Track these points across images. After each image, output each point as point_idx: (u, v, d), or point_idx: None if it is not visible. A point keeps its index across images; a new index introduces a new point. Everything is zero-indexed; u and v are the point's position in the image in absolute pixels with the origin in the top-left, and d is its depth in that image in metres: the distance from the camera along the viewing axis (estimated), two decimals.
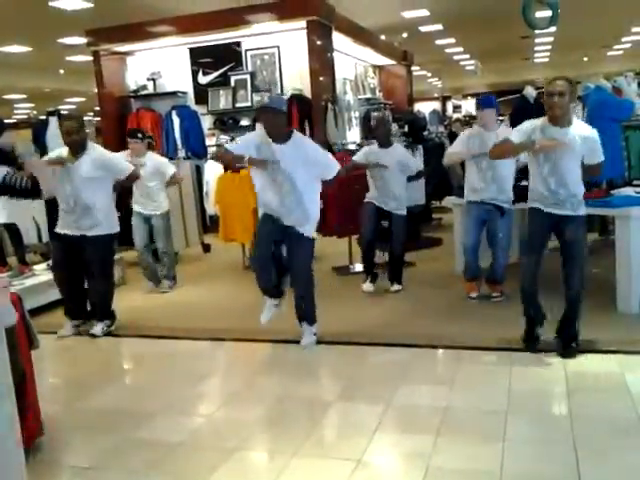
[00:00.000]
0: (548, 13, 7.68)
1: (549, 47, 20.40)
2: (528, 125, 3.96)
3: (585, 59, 23.05)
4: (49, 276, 6.06)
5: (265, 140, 4.36)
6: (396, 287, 5.83)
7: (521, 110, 7.13)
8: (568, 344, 4.08)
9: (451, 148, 5.63)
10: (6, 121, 7.93)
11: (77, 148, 4.86)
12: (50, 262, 6.45)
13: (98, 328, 5.06)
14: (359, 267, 6.24)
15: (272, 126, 4.30)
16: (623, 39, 19.76)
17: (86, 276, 5.17)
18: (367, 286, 5.86)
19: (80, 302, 5.18)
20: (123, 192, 6.27)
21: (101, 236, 4.96)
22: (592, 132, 3.92)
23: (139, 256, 6.36)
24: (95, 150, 4.99)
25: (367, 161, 5.76)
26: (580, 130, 3.89)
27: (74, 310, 5.18)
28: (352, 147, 9.15)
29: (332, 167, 4.52)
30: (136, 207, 6.24)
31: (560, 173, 3.88)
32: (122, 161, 5.32)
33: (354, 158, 6.03)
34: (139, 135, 6.23)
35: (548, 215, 3.99)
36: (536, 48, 20.62)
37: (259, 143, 4.38)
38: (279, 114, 4.29)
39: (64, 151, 4.97)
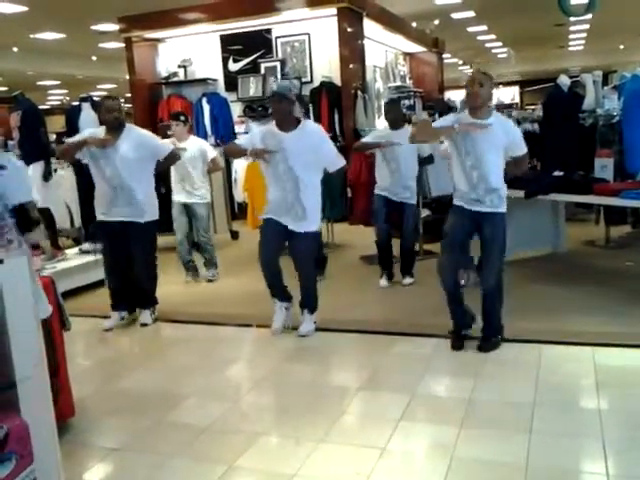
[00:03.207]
0: (584, 0, 7.52)
1: (584, 35, 19.96)
2: (451, 116, 4.17)
3: (621, 47, 22.51)
4: (81, 260, 6.20)
5: (272, 130, 4.45)
6: (408, 280, 5.76)
7: (554, 99, 7.00)
8: (489, 337, 4.10)
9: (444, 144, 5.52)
10: (40, 107, 8.03)
11: (117, 126, 4.73)
12: (82, 247, 6.60)
13: (147, 316, 5.03)
14: None
15: (279, 112, 4.41)
16: None
17: (130, 264, 5.10)
18: (383, 282, 5.76)
19: (128, 293, 5.04)
20: (162, 175, 6.08)
21: (146, 223, 4.85)
22: (511, 123, 4.12)
23: (178, 249, 6.22)
24: (133, 129, 4.90)
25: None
26: (500, 120, 3.98)
27: (122, 301, 5.03)
28: None
29: (336, 160, 4.61)
30: (176, 197, 6.10)
31: (482, 166, 3.89)
32: (161, 140, 5.24)
33: (363, 139, 5.94)
34: (181, 118, 6.11)
35: (469, 212, 4.00)
36: (571, 36, 20.18)
37: (264, 134, 4.49)
38: (285, 100, 4.36)
39: (100, 131, 4.80)
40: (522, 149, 4.02)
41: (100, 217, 4.92)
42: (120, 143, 4.72)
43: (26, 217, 2.82)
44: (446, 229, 4.13)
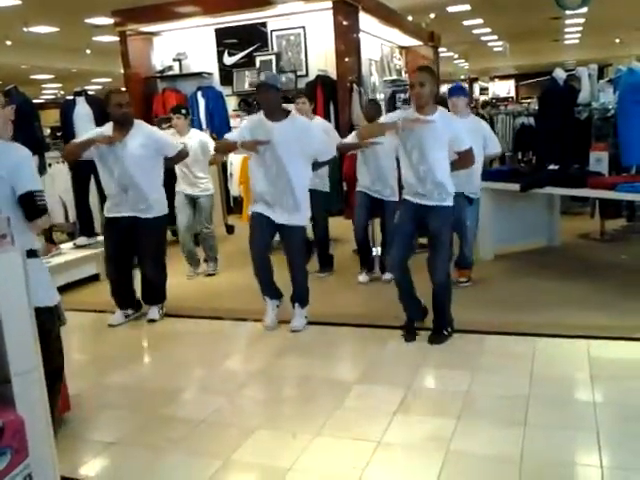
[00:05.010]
0: None
1: (580, 28, 19.95)
2: (397, 113, 4.34)
3: (617, 41, 22.50)
4: (76, 255, 6.18)
5: (260, 121, 4.46)
6: (388, 276, 5.70)
7: (550, 92, 7.00)
8: (439, 331, 4.21)
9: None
10: (34, 101, 7.99)
11: (126, 122, 4.65)
12: (76, 242, 6.57)
13: (155, 312, 5.01)
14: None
15: (267, 102, 4.43)
16: None
17: (138, 261, 5.05)
18: (363, 277, 5.78)
19: (130, 291, 5.04)
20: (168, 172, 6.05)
21: (154, 219, 4.80)
22: (455, 119, 4.31)
23: (181, 237, 6.20)
24: (142, 126, 4.80)
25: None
26: (443, 116, 4.11)
27: (124, 300, 5.01)
28: None
29: (327, 149, 4.62)
30: (180, 188, 6.09)
31: (427, 161, 4.02)
32: (170, 138, 5.23)
33: (344, 140, 5.91)
34: (182, 111, 6.09)
35: (416, 206, 4.11)
36: (566, 29, 20.16)
37: (253, 125, 4.51)
38: (273, 91, 4.39)
39: (107, 129, 4.72)
40: (464, 144, 4.14)
41: (108, 214, 4.86)
42: (128, 140, 4.64)
43: (33, 205, 2.82)
44: (396, 222, 4.27)
